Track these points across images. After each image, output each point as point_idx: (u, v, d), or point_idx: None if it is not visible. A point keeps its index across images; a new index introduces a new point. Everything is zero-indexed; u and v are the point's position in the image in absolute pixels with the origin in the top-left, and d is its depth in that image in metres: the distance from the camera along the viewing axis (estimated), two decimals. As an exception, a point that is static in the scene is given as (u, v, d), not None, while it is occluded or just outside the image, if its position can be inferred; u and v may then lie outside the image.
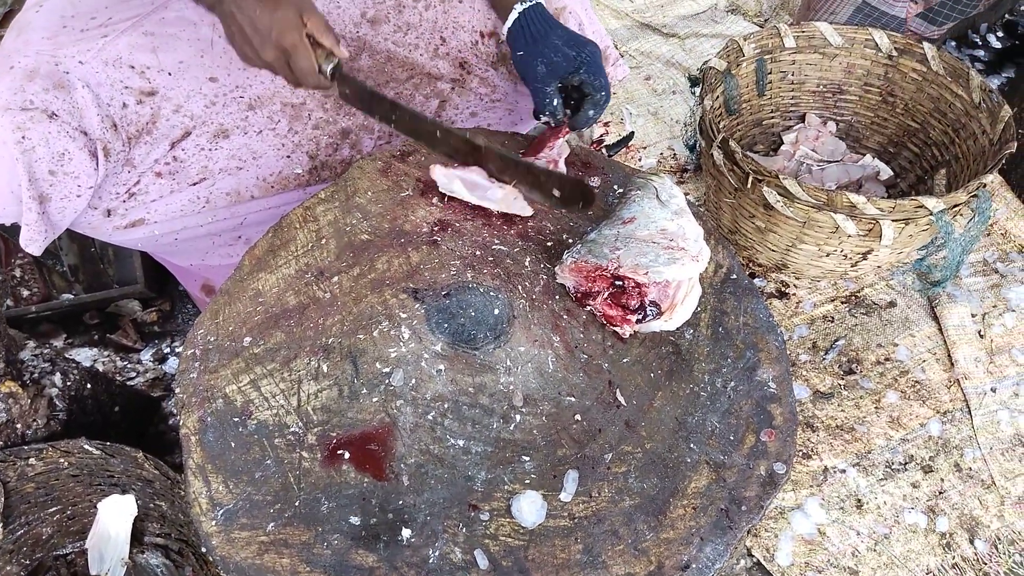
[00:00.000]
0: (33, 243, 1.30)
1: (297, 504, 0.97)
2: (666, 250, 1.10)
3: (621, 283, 1.10)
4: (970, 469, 1.58)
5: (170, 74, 1.37)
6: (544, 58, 1.32)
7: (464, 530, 0.96)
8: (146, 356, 1.90)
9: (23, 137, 1.22)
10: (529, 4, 1.36)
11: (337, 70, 1.26)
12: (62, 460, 1.38)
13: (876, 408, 1.66)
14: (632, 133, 2.24)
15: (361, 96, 1.32)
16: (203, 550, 1.17)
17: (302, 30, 1.20)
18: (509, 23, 1.37)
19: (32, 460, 1.36)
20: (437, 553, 0.94)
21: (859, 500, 1.54)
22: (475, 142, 1.25)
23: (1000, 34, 2.69)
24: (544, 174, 1.21)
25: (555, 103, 1.33)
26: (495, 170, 1.26)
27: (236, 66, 1.42)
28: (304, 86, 1.27)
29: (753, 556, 1.47)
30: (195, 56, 1.38)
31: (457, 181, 1.26)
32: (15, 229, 1.90)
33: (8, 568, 1.41)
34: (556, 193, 1.20)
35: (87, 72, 1.30)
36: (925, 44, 1.89)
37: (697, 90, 1.89)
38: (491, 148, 1.25)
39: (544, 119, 1.37)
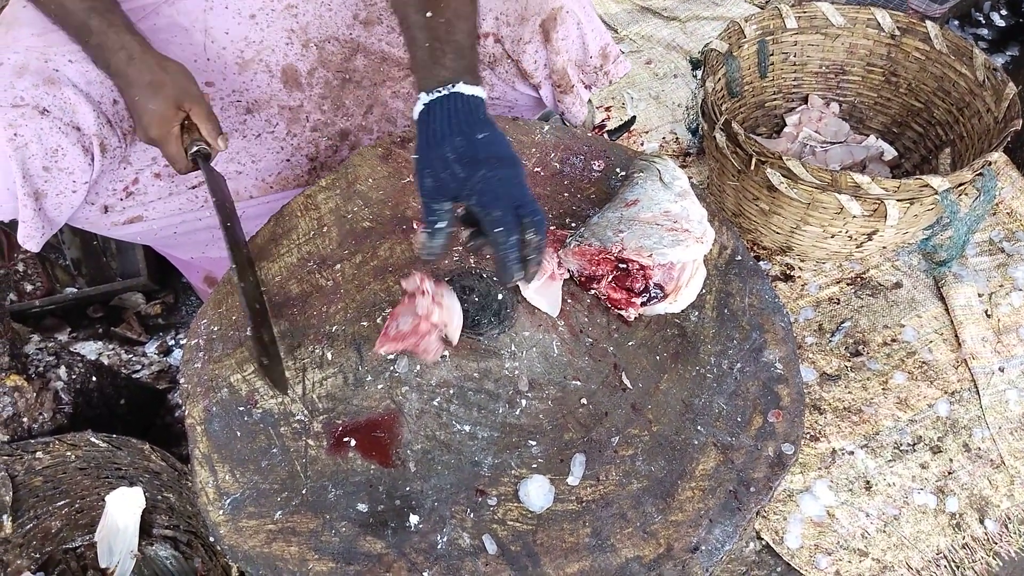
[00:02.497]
0: (31, 239, 1.30)
1: (304, 492, 0.97)
2: (670, 232, 1.09)
3: (625, 266, 1.09)
4: (979, 449, 1.57)
5: None
6: (431, 171, 1.00)
7: (472, 515, 0.96)
8: (150, 349, 1.90)
9: (15, 134, 1.20)
10: (437, 95, 1.02)
11: (199, 157, 1.24)
12: (69, 453, 1.38)
13: (883, 389, 1.66)
14: (634, 118, 2.23)
15: (212, 190, 1.23)
16: (211, 540, 1.17)
17: (173, 122, 1.21)
18: (415, 115, 1.05)
19: (39, 454, 1.36)
20: (445, 539, 0.94)
21: (868, 482, 1.53)
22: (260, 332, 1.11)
23: (1004, 12, 2.67)
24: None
25: (439, 227, 1.00)
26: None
27: (231, 71, 1.41)
28: (178, 172, 1.27)
29: (762, 539, 1.47)
30: (188, 61, 1.36)
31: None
32: (13, 224, 1.90)
33: (19, 562, 1.41)
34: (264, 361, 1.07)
35: (76, 71, 1.28)
36: (928, 23, 1.87)
37: (699, 73, 1.87)
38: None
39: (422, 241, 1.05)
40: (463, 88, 1.03)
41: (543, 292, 1.12)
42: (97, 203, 1.40)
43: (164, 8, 1.38)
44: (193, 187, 1.46)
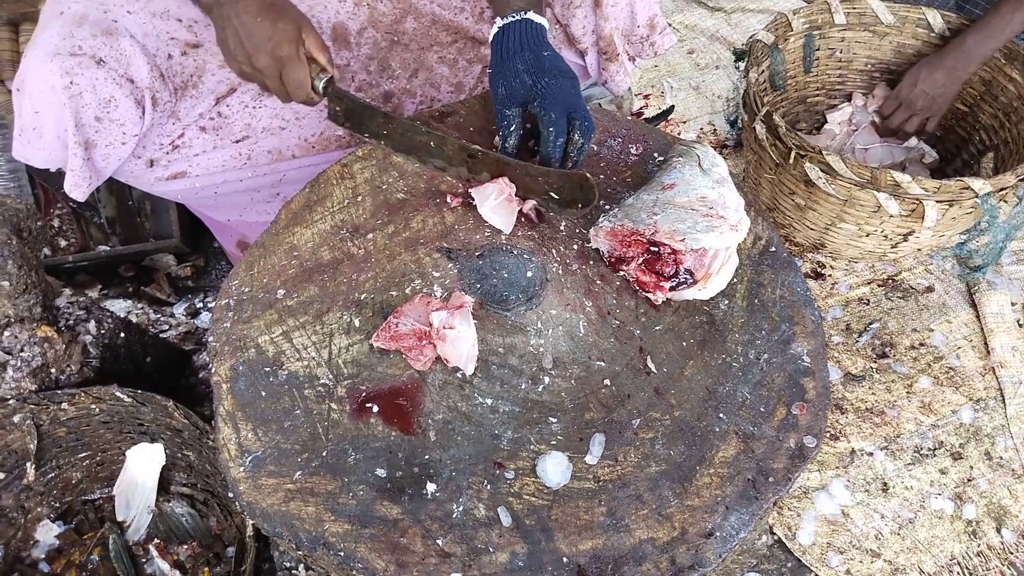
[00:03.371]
0: (78, 188, 1.32)
1: (324, 454, 0.98)
2: (705, 217, 1.08)
3: (656, 249, 1.08)
4: (1001, 458, 1.55)
5: None
6: (504, 80, 1.23)
7: (488, 487, 0.96)
8: (179, 310, 1.92)
9: (71, 82, 1.22)
10: (511, 19, 1.25)
11: (329, 86, 1.23)
12: (94, 406, 1.40)
13: (908, 393, 1.64)
14: (672, 107, 2.22)
15: (352, 112, 1.27)
16: (230, 495, 1.19)
17: (299, 44, 1.19)
18: (490, 36, 1.28)
19: (65, 405, 1.39)
20: (461, 508, 0.94)
21: (885, 483, 1.52)
22: (470, 149, 1.21)
23: (1057, 19, 2.60)
24: (541, 174, 1.18)
25: (510, 129, 1.23)
26: (491, 177, 1.22)
27: None
28: (293, 99, 1.24)
29: (774, 534, 1.46)
30: None
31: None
32: (53, 180, 1.93)
33: (39, 510, 1.44)
34: (554, 195, 1.17)
35: (134, 22, 1.30)
36: (979, 25, 1.84)
37: (742, 65, 1.85)
38: (486, 154, 1.21)
39: (497, 139, 1.26)
40: (532, 16, 1.24)
41: (498, 211, 1.18)
42: (144, 156, 1.42)
43: None
44: (237, 141, 1.46)
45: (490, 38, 1.27)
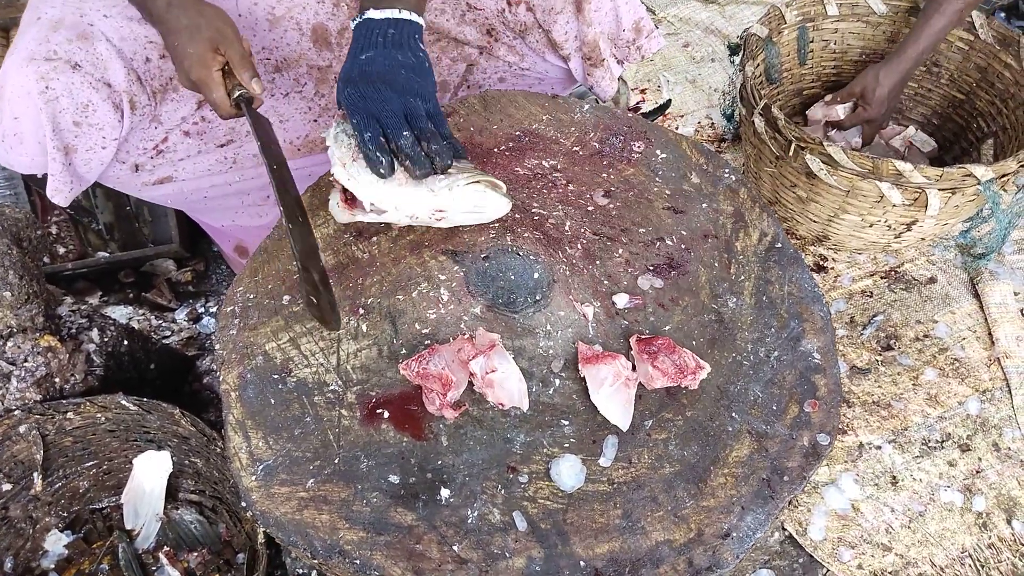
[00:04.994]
0: (59, 193, 1.31)
1: (336, 461, 0.98)
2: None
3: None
4: (1009, 449, 1.56)
5: None
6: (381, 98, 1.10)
7: (503, 491, 0.95)
8: (180, 315, 1.91)
9: (47, 87, 1.22)
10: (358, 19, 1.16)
11: (243, 101, 1.19)
12: (99, 415, 1.39)
13: (914, 385, 1.64)
14: (669, 101, 2.21)
15: (257, 133, 1.19)
16: (242, 505, 1.18)
17: (212, 66, 1.17)
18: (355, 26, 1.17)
19: (70, 414, 1.38)
20: (476, 513, 0.94)
21: (894, 477, 1.52)
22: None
23: (1052, 5, 2.60)
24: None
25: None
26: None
27: (262, 27, 1.41)
28: (221, 117, 1.22)
29: (785, 530, 1.46)
30: None
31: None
32: (44, 183, 1.91)
33: (47, 520, 1.44)
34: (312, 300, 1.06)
35: (110, 26, 1.29)
36: (974, 12, 1.83)
37: (736, 58, 1.85)
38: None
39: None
40: (371, 14, 1.13)
41: (614, 399, 1.02)
42: (128, 161, 1.41)
43: None
44: (222, 145, 1.45)
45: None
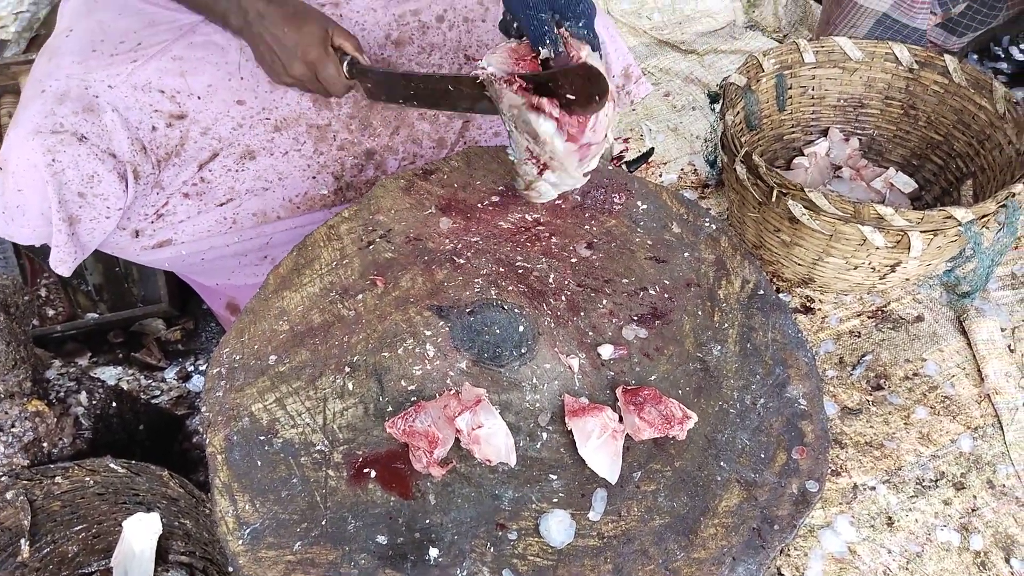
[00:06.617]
0: (63, 264, 1.32)
1: (324, 523, 0.97)
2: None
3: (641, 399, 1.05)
4: (1003, 486, 1.55)
5: (199, 97, 1.38)
6: None
7: (492, 549, 0.95)
8: (170, 374, 1.91)
9: (53, 160, 1.23)
10: None
11: (353, 67, 1.32)
12: (88, 478, 1.38)
13: (905, 424, 1.64)
14: (652, 149, 2.24)
15: (379, 83, 1.34)
16: (230, 569, 1.17)
17: (327, 42, 1.29)
18: None
19: (58, 478, 1.37)
20: (465, 573, 0.93)
21: (890, 518, 1.51)
22: (484, 83, 1.16)
23: (1023, 46, 2.66)
24: (549, 79, 1.08)
25: (553, 31, 1.11)
26: (507, 99, 1.13)
27: (263, 88, 1.43)
28: (335, 94, 1.33)
29: (783, 574, 1.45)
30: (223, 79, 1.40)
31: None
32: (39, 250, 1.92)
33: (34, 587, 1.42)
34: (570, 96, 1.06)
35: (116, 96, 1.31)
36: (947, 56, 1.88)
37: (717, 106, 1.88)
38: (493, 76, 1.14)
39: (543, 51, 1.13)
40: None
41: (602, 452, 1.02)
42: (128, 228, 1.42)
43: (201, 27, 1.41)
44: (221, 204, 1.47)
45: None
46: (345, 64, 1.32)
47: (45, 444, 1.39)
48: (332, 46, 1.32)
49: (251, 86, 1.42)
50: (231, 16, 1.34)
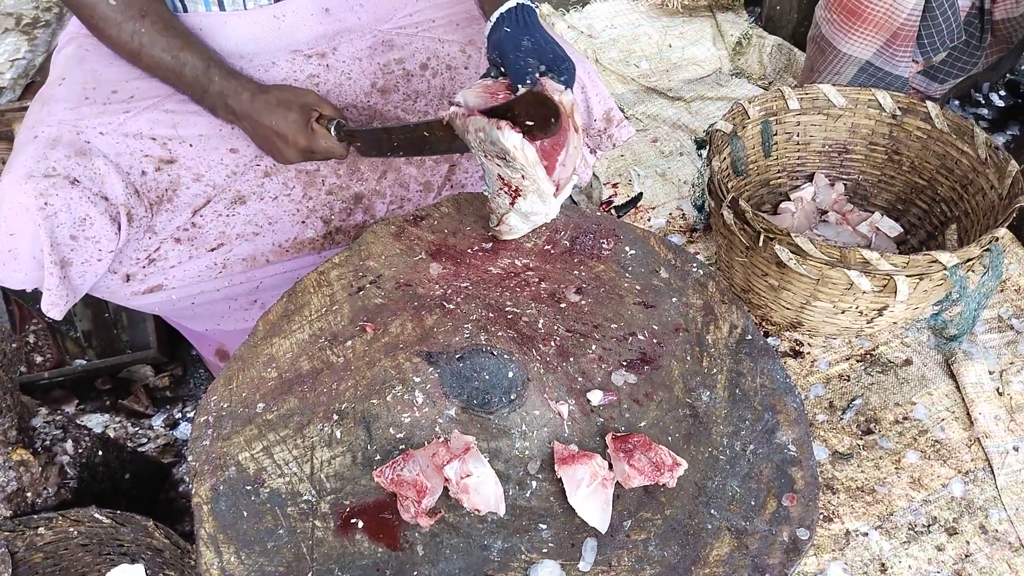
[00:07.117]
0: (55, 307, 1.31)
1: (310, 575, 0.95)
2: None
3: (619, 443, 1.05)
4: (996, 531, 1.54)
5: (191, 145, 1.40)
6: (531, 36, 1.21)
7: (481, 601, 0.94)
8: (157, 422, 1.89)
9: (46, 203, 1.23)
10: (519, 2, 1.24)
11: (340, 130, 1.37)
12: (72, 529, 1.36)
13: (896, 468, 1.63)
14: (640, 194, 2.27)
15: (366, 141, 1.39)
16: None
17: (310, 125, 1.36)
18: (497, 14, 1.25)
19: (41, 530, 1.35)
20: (454, 626, 0.91)
21: (883, 564, 1.50)
22: (449, 124, 1.20)
23: (1003, 93, 2.72)
24: (507, 109, 1.12)
25: (536, 74, 1.17)
26: (472, 126, 1.17)
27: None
28: (338, 158, 1.41)
29: (776, 624, 1.43)
30: (215, 130, 1.42)
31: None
32: (28, 296, 1.92)
33: (14, 641, 1.38)
34: (529, 123, 1.11)
35: (107, 143, 1.33)
36: (928, 103, 1.91)
37: (704, 152, 1.91)
38: (459, 117, 1.18)
39: (521, 88, 1.19)
40: None
41: (592, 500, 1.01)
42: (120, 271, 1.42)
43: None
44: (212, 249, 1.47)
45: (495, 16, 1.24)
46: (332, 129, 1.38)
47: (29, 494, 1.37)
48: (317, 121, 1.38)
49: (243, 135, 1.44)
50: (219, 111, 1.40)
